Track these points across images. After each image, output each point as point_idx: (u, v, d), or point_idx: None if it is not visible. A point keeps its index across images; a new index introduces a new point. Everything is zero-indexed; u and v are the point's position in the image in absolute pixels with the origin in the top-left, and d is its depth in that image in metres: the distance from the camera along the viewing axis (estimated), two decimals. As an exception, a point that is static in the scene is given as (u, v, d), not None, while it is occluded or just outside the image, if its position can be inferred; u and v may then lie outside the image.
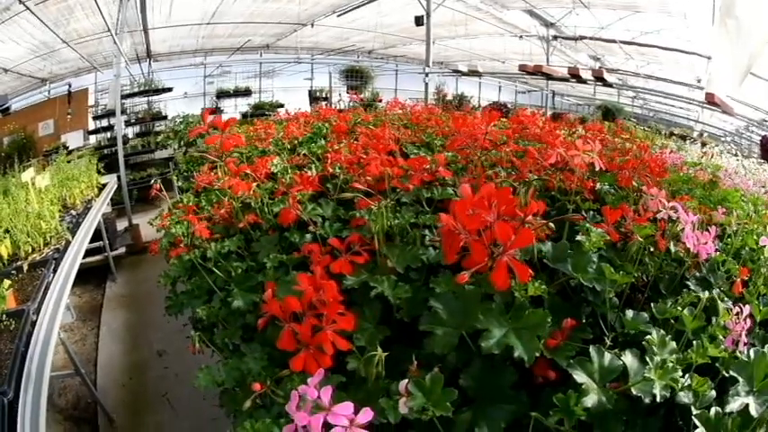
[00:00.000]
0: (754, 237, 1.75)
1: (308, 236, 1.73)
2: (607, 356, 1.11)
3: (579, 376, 1.07)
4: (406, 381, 0.98)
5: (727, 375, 1.16)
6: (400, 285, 1.24)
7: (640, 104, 15.79)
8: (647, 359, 1.09)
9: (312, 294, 1.14)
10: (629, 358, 1.11)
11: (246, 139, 3.24)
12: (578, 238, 1.36)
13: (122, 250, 6.60)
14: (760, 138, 10.45)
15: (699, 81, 11.58)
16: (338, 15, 11.11)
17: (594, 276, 1.27)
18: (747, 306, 1.27)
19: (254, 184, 2.00)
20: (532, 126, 3.01)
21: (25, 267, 3.18)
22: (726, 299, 1.41)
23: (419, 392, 0.98)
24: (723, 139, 12.06)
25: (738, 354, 1.21)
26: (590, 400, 1.01)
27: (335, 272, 1.31)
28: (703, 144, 8.95)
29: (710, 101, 6.22)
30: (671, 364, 1.06)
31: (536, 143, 2.68)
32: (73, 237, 3.94)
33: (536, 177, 1.86)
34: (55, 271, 3.25)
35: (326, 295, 1.12)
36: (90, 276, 6.12)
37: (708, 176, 2.92)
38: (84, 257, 4.07)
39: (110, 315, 5.52)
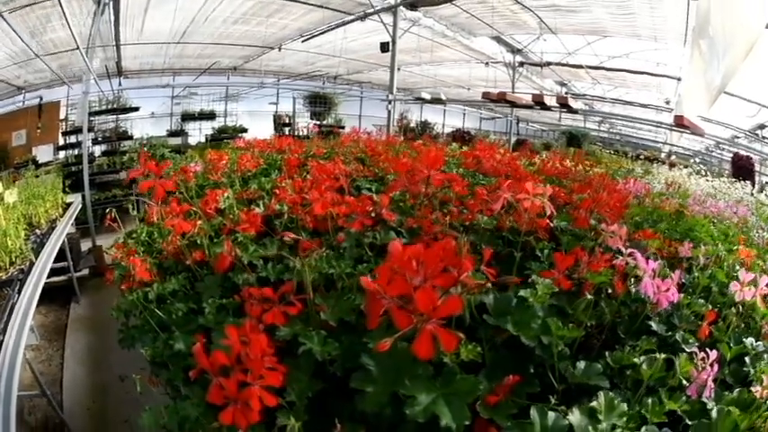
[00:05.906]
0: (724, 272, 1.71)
1: (252, 278, 1.74)
2: (551, 416, 1.03)
3: (516, 442, 0.98)
4: None
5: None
6: (330, 342, 1.23)
7: (607, 128, 16.04)
8: (590, 428, 1.01)
9: (239, 349, 1.13)
10: (576, 416, 1.03)
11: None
12: (521, 293, 1.29)
13: (86, 271, 6.49)
14: (731, 156, 10.64)
15: (668, 102, 11.81)
16: (303, 41, 10.98)
17: (539, 332, 1.21)
18: (714, 351, 1.21)
19: (200, 221, 2.00)
20: (488, 159, 3.06)
21: (-8, 286, 3.15)
22: (691, 341, 1.38)
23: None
24: (693, 159, 12.30)
25: (706, 400, 1.16)
26: (530, 466, 0.94)
27: (268, 323, 1.30)
28: (671, 165, 9.13)
29: (679, 123, 6.27)
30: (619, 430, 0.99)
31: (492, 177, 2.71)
32: (37, 257, 3.90)
33: (487, 218, 1.86)
34: (19, 292, 3.23)
35: (252, 351, 1.12)
36: (56, 295, 6.01)
37: (674, 205, 2.86)
38: (49, 277, 3.99)
39: (73, 337, 5.45)
